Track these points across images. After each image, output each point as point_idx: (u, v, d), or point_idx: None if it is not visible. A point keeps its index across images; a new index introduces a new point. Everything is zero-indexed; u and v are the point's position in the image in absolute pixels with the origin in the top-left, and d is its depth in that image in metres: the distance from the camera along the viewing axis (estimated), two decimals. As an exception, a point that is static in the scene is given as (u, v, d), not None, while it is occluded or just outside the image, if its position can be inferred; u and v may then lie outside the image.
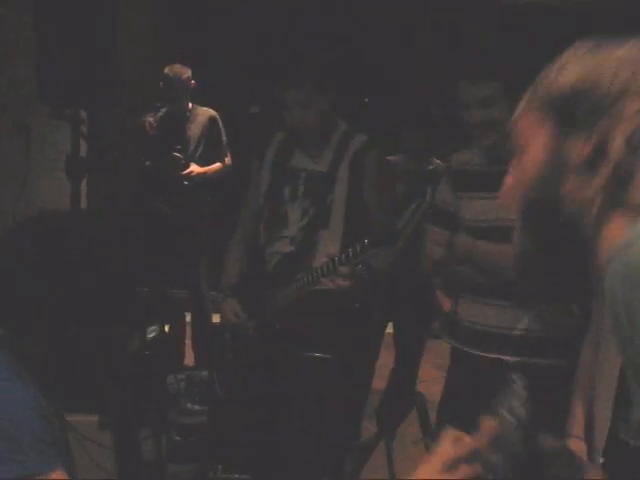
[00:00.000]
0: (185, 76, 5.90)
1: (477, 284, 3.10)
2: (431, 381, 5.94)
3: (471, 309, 3.17)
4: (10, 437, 1.86)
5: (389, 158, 4.47)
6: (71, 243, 2.02)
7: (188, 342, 6.18)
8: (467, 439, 1.75)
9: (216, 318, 4.46)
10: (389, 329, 4.88)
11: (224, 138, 6.13)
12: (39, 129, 6.91)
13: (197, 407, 4.44)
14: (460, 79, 3.03)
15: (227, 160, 6.12)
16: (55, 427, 2.00)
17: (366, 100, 7.89)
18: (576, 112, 1.55)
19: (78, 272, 1.98)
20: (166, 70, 5.91)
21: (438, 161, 4.76)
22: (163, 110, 6.04)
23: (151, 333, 4.77)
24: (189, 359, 6.07)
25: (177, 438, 4.19)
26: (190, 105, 6.04)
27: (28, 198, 7.00)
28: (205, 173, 5.99)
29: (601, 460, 2.54)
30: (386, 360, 4.96)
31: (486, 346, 3.11)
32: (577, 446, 2.65)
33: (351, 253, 3.17)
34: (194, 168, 5.92)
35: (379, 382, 4.96)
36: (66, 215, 2.33)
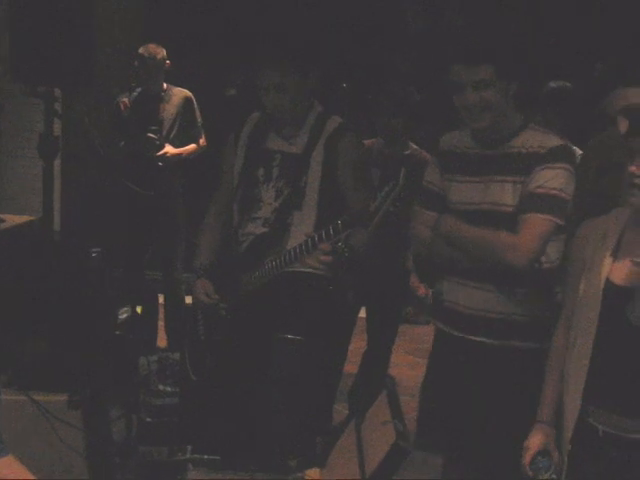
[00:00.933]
0: (160, 56, 5.86)
1: (461, 266, 3.12)
2: (403, 365, 5.97)
3: (455, 291, 3.18)
4: None
5: (365, 142, 4.47)
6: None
7: (161, 324, 6.17)
8: None
9: (189, 299, 4.45)
10: (362, 313, 4.89)
11: (199, 119, 6.09)
12: (11, 108, 6.84)
13: (168, 389, 4.42)
14: (454, 62, 3.02)
15: (202, 141, 6.09)
16: None
17: (344, 85, 7.88)
18: None
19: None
20: (141, 50, 5.86)
21: (415, 146, 4.76)
22: (138, 90, 5.99)
23: (123, 314, 4.76)
24: (162, 341, 6.06)
25: (148, 419, 4.18)
26: (165, 85, 6.00)
27: (1, 178, 6.95)
28: (180, 154, 5.96)
29: (569, 447, 2.56)
30: (358, 344, 4.98)
31: (469, 328, 3.13)
32: (546, 431, 2.67)
33: (324, 235, 3.17)
34: (169, 149, 5.88)
35: (352, 366, 4.97)
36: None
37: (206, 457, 3.24)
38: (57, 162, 5.00)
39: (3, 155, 7.19)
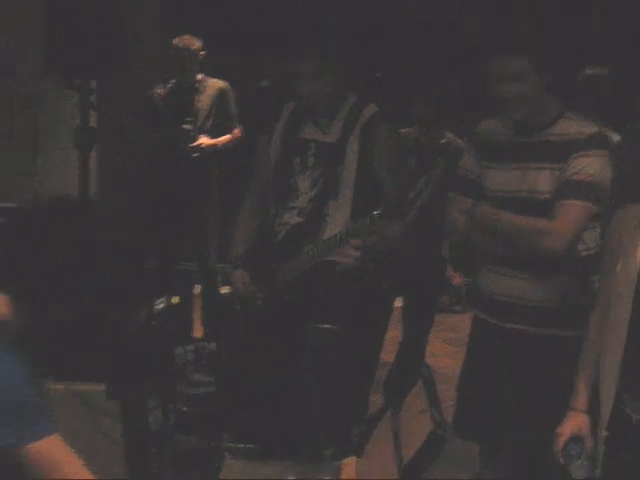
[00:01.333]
0: (195, 47, 5.87)
1: (496, 254, 3.11)
2: (439, 354, 5.95)
3: (491, 280, 3.17)
4: (8, 404, 1.87)
5: (401, 130, 4.45)
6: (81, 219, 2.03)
7: (197, 315, 6.20)
8: None
9: (225, 290, 4.46)
10: (398, 303, 4.87)
11: (234, 110, 6.09)
12: (46, 101, 6.88)
13: (205, 378, 4.44)
14: (492, 54, 3.01)
15: (237, 132, 6.08)
16: (43, 392, 2.02)
17: (378, 75, 7.85)
18: None
19: (90, 246, 1.99)
20: (176, 41, 5.88)
21: (451, 134, 4.73)
22: (173, 82, 6.01)
23: (159, 304, 4.79)
24: (197, 332, 6.08)
25: (184, 408, 4.20)
26: (200, 76, 6.00)
27: (39, 171, 7.00)
28: (215, 145, 5.97)
29: (605, 433, 2.54)
30: (394, 334, 4.96)
31: (506, 316, 3.12)
32: (580, 419, 2.66)
33: (361, 225, 3.17)
34: (203, 140, 5.90)
35: (387, 355, 4.96)
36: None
37: (242, 446, 3.26)
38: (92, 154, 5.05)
39: (41, 149, 7.23)
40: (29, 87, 6.65)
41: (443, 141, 4.70)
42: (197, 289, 6.26)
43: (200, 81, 6.00)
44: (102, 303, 2.06)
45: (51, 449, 1.92)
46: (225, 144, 6.04)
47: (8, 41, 6.93)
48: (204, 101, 5.98)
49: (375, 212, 3.11)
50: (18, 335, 2.00)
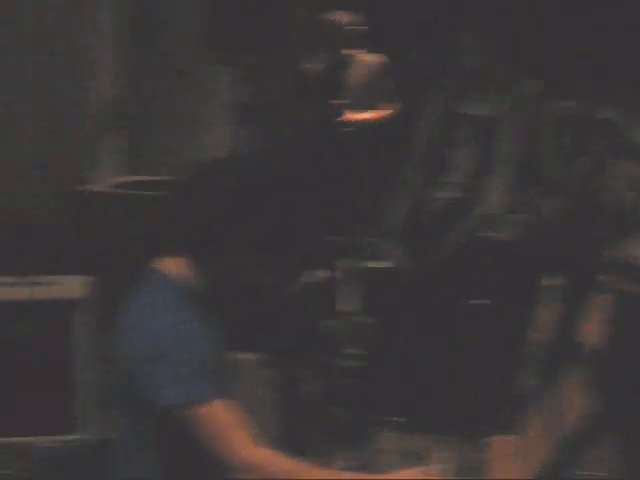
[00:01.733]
0: (347, 22, 5.89)
1: None
2: (590, 334, 5.80)
3: None
4: (181, 364, 1.91)
5: (561, 105, 4.35)
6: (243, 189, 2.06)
7: (345, 289, 6.22)
8: None
9: (374, 264, 4.47)
10: (553, 281, 4.78)
11: (387, 84, 6.06)
12: (199, 77, 7.01)
13: (355, 351, 4.48)
14: None
15: (390, 106, 6.06)
16: (222, 356, 2.06)
17: (537, 49, 7.66)
18: None
19: (249, 217, 2.01)
20: (328, 16, 5.91)
21: (611, 111, 4.58)
22: (325, 56, 6.05)
23: (308, 277, 4.85)
24: (348, 304, 6.11)
25: (337, 381, 4.25)
26: (353, 51, 6.01)
27: (193, 146, 7.16)
28: (367, 120, 5.97)
29: None
30: (549, 312, 4.87)
31: None
32: None
33: (517, 201, 3.13)
34: (355, 115, 5.91)
35: (541, 333, 4.88)
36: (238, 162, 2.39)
37: (395, 419, 3.28)
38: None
39: (195, 125, 7.37)
40: (183, 63, 6.80)
41: (603, 117, 4.56)
42: (345, 262, 6.30)
43: (353, 56, 6.01)
44: (262, 273, 2.09)
45: (217, 414, 1.93)
46: (377, 119, 6.04)
47: (164, 16, 7.10)
48: (356, 76, 5.99)
49: (532, 189, 3.06)
50: (202, 298, 2.05)
